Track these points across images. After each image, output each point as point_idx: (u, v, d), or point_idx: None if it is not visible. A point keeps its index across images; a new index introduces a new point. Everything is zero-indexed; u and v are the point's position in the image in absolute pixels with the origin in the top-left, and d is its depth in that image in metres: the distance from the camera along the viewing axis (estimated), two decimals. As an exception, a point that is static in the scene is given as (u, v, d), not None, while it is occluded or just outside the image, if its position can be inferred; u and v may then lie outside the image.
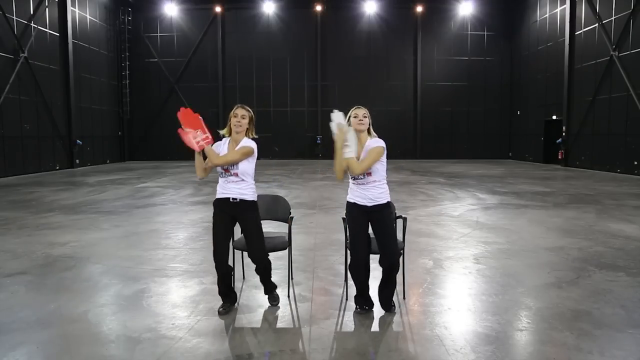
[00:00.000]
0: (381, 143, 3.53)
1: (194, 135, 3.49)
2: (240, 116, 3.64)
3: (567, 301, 3.94)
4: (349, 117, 3.58)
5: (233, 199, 3.62)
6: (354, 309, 3.75)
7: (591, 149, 17.94)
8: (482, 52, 24.80)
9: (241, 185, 3.62)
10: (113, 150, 23.66)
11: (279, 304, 3.90)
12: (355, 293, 3.77)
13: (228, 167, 3.60)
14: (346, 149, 3.46)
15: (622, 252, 5.53)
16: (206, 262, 5.13)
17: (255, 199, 3.71)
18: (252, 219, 3.66)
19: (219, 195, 3.68)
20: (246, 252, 3.99)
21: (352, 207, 3.64)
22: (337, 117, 3.48)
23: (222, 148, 3.69)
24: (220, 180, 3.69)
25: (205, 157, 3.63)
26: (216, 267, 3.65)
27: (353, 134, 3.51)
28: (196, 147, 3.50)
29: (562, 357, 3.01)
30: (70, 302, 3.96)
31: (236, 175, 3.61)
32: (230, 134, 3.69)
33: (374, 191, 3.57)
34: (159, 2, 24.28)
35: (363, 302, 3.73)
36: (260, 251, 3.67)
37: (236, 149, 3.60)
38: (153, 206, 9.27)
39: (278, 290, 4.10)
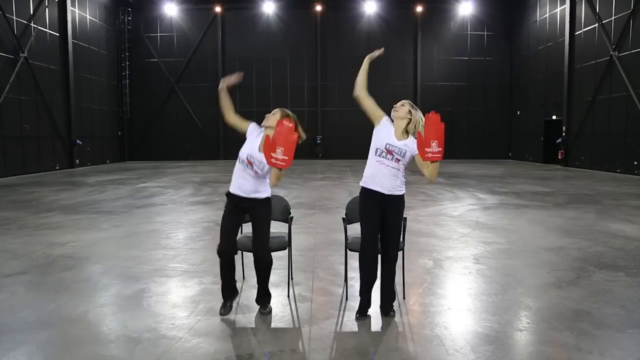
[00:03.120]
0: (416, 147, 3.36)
1: (274, 151, 3.20)
2: (272, 112, 3.65)
3: (567, 301, 3.94)
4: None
5: (246, 195, 3.59)
6: (355, 315, 3.62)
7: (591, 149, 17.94)
8: (482, 52, 24.80)
9: (258, 182, 3.60)
10: (113, 150, 23.64)
11: (271, 311, 3.75)
12: (358, 295, 3.64)
13: (253, 164, 3.54)
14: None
15: (622, 252, 5.53)
16: (206, 262, 5.13)
17: (269, 194, 3.69)
18: (262, 215, 3.64)
19: (232, 190, 3.63)
20: (247, 252, 3.98)
21: (368, 194, 3.52)
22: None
23: (255, 135, 3.65)
24: (238, 168, 3.62)
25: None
26: (220, 255, 3.57)
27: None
28: (269, 161, 3.25)
29: (562, 357, 3.01)
30: (70, 302, 3.95)
31: (256, 173, 3.57)
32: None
33: (395, 180, 3.50)
34: (159, 2, 24.27)
35: (367, 303, 3.61)
36: (263, 248, 3.62)
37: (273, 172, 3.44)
38: (153, 206, 9.26)
39: (278, 290, 4.09)
